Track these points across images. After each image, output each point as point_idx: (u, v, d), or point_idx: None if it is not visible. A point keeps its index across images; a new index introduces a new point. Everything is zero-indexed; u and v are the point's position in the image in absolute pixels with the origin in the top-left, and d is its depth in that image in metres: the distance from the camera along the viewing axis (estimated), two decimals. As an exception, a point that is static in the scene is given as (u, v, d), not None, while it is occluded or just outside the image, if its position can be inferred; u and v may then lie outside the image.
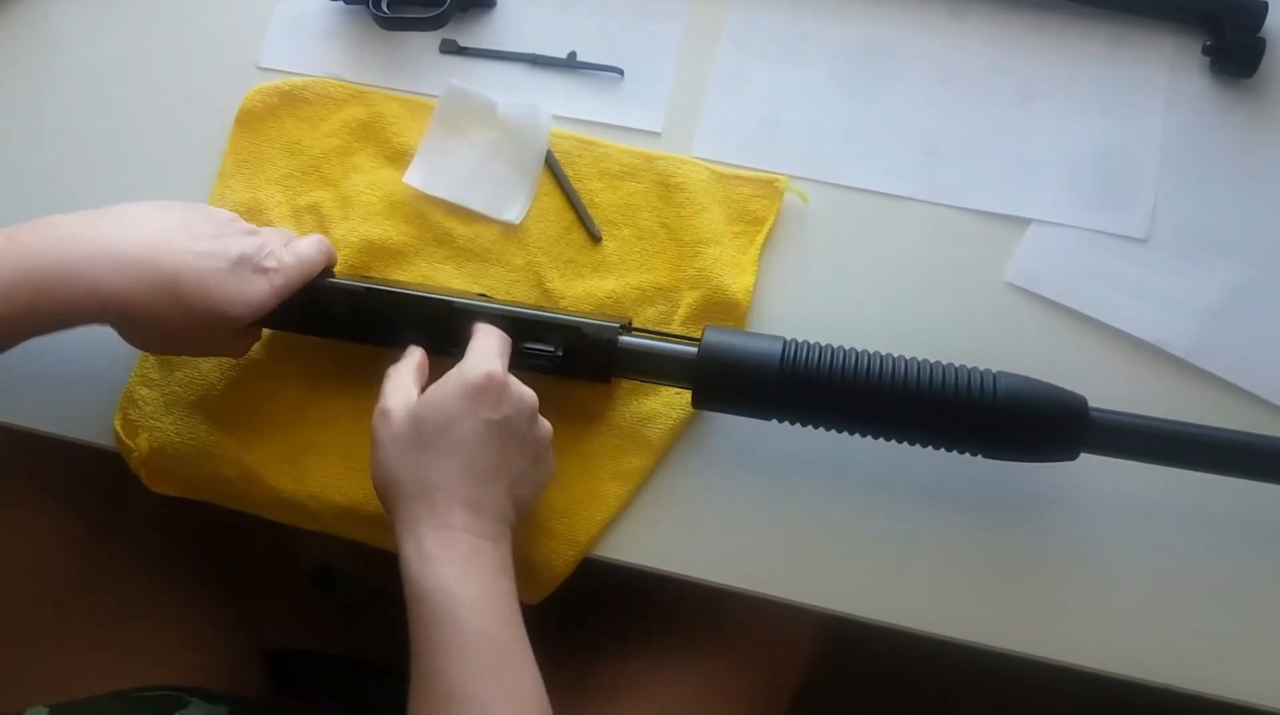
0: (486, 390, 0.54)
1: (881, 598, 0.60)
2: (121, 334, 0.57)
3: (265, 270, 0.58)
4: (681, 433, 0.63)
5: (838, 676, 1.17)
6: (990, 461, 0.57)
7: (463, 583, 0.51)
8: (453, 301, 0.61)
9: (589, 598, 0.65)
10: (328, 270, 0.62)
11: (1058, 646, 0.59)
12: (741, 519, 0.62)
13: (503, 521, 0.55)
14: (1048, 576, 0.60)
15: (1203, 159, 0.67)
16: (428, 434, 0.54)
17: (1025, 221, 0.66)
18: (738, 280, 0.65)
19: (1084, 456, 0.57)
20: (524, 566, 0.62)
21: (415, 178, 0.68)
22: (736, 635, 0.71)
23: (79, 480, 0.72)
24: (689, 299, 0.65)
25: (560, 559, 0.62)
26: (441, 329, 0.60)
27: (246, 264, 0.57)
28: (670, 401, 0.63)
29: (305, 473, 0.63)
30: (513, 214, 0.67)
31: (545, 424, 0.58)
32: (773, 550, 0.61)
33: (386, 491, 0.55)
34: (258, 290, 0.57)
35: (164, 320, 0.55)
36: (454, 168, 0.68)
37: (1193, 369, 0.63)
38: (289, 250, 0.59)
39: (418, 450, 0.54)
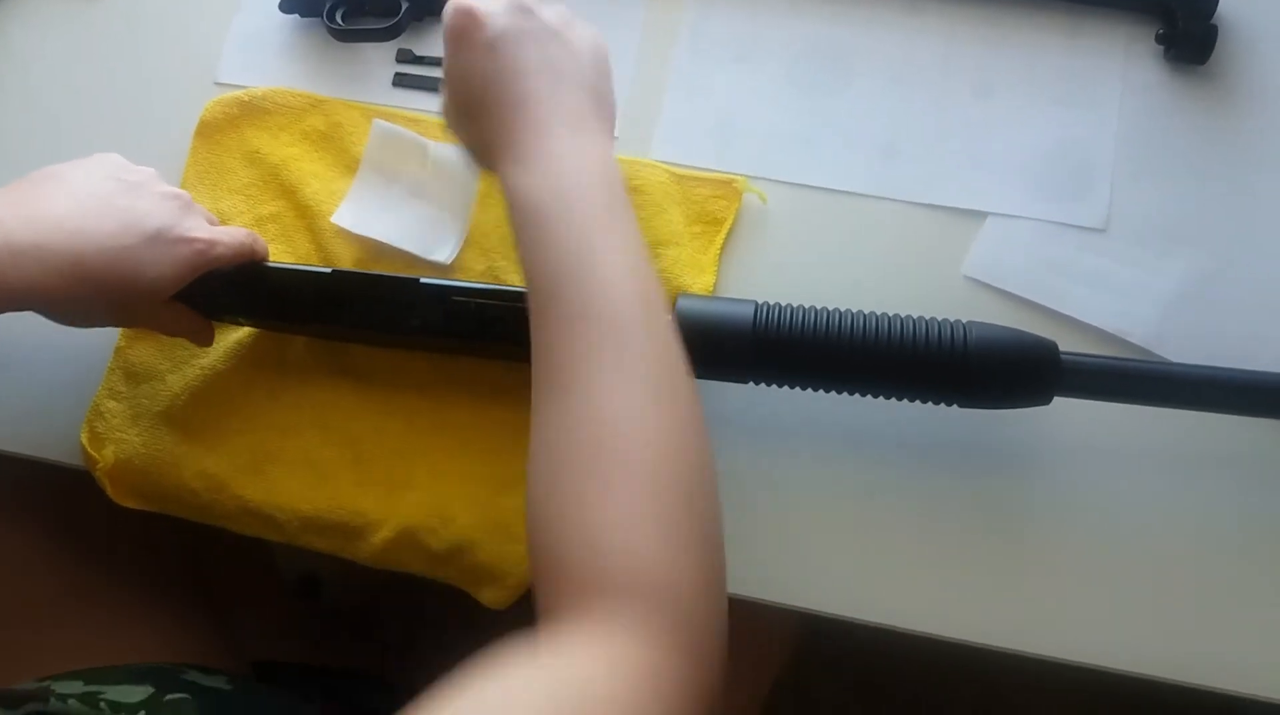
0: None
1: (869, 598, 0.60)
2: (48, 318, 0.57)
3: (189, 241, 0.57)
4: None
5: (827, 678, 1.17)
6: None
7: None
8: (420, 280, 0.60)
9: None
10: (263, 259, 0.62)
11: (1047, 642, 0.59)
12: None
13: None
14: (1042, 574, 0.60)
15: (1158, 147, 0.67)
16: (537, 31, 0.53)
17: (982, 215, 0.66)
18: (698, 280, 0.65)
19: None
20: (489, 571, 0.62)
21: (345, 219, 0.67)
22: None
23: (58, 495, 0.73)
24: (649, 300, 0.65)
25: (527, 562, 0.62)
26: (413, 310, 0.60)
27: (164, 236, 0.56)
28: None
29: (271, 482, 0.64)
30: (443, 255, 0.66)
31: None
32: (764, 552, 0.62)
33: (506, 87, 0.52)
34: (176, 260, 0.57)
35: (77, 302, 0.55)
36: (383, 209, 0.67)
37: (1154, 358, 0.63)
38: (219, 229, 0.60)
39: (532, 43, 0.52)
